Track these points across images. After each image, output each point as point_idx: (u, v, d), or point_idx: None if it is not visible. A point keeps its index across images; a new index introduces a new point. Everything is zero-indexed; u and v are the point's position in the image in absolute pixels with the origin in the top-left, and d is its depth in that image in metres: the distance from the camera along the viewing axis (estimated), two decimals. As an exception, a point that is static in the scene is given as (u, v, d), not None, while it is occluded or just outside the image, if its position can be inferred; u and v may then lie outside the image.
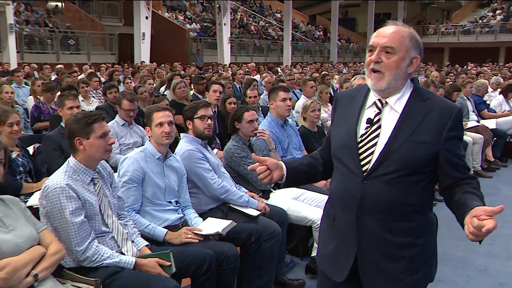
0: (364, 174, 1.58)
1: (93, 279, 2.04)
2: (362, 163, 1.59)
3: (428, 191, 1.62)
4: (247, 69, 13.57)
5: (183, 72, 11.67)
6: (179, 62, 15.39)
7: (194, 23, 23.09)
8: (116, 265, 2.13)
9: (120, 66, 14.03)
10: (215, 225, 2.66)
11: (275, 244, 2.85)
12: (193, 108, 3.01)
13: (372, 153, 1.58)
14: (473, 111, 6.81)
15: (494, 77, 9.14)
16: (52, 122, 4.66)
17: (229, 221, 2.68)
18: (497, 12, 29.23)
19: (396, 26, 1.60)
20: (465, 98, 6.67)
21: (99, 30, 19.34)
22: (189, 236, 2.51)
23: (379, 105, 1.62)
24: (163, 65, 14.71)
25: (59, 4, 21.69)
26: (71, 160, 2.24)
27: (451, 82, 7.96)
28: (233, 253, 2.45)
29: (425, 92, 1.65)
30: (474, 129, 6.26)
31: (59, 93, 5.97)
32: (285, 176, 1.70)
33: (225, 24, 19.74)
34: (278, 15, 29.54)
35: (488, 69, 15.13)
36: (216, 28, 20.96)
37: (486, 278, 3.36)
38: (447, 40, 29.08)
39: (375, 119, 1.61)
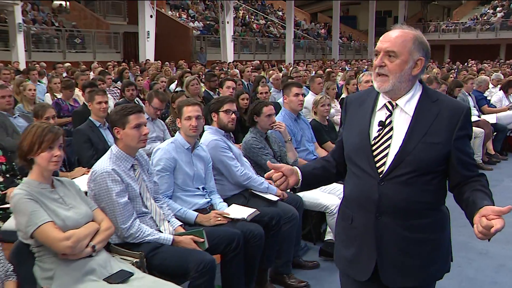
0: (380, 175, 1.63)
1: (138, 253, 2.30)
2: (377, 165, 1.64)
3: (441, 188, 1.69)
4: (252, 67, 13.81)
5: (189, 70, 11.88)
6: (184, 60, 15.62)
7: (196, 22, 23.31)
8: (156, 242, 2.39)
9: (125, 64, 14.26)
10: (241, 212, 2.90)
11: (293, 227, 3.09)
12: (219, 102, 3.26)
13: (386, 155, 1.63)
14: (474, 107, 7.04)
15: (495, 73, 9.39)
16: (75, 117, 4.92)
17: (253, 209, 2.91)
18: (498, 9, 29.40)
19: (401, 29, 1.65)
20: (467, 94, 6.92)
21: (104, 29, 19.58)
22: (219, 219, 2.76)
23: (390, 107, 1.67)
24: (167, 63, 14.91)
25: (63, 3, 21.97)
26: (114, 148, 2.49)
27: (453, 79, 8.20)
28: (259, 232, 2.70)
29: (434, 93, 1.70)
30: (475, 124, 6.48)
31: (76, 90, 6.25)
32: (300, 181, 1.77)
33: (228, 22, 19.98)
34: (280, 13, 29.74)
35: (489, 66, 15.36)
36: (219, 26, 21.20)
37: (487, 260, 3.61)
38: (448, 37, 29.30)
39: (387, 122, 1.66)
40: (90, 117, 3.85)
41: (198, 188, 2.94)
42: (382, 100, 1.70)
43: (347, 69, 13.22)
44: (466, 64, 18.14)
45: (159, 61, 15.41)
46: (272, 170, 1.73)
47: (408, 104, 1.65)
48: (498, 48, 27.25)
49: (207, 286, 2.30)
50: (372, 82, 5.04)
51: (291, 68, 11.95)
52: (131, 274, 2.12)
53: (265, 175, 1.82)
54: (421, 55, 1.63)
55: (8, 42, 15.43)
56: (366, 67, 15.60)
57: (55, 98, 6.15)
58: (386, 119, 1.66)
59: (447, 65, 17.35)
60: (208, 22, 23.88)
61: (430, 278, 1.72)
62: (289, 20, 23.33)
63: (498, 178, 5.92)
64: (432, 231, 1.66)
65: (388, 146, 1.63)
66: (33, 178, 2.09)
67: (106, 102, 3.85)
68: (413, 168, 1.60)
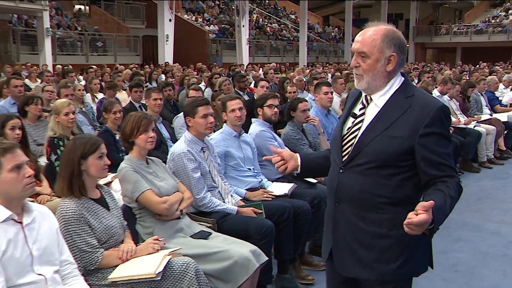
0: (342, 164, 1.70)
1: (211, 219, 2.82)
2: (343, 154, 1.71)
3: (408, 186, 1.63)
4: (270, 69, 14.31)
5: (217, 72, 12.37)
6: (201, 63, 16.18)
7: (212, 25, 23.93)
8: (224, 211, 2.91)
9: (148, 66, 14.86)
10: (282, 188, 3.41)
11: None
12: (263, 98, 3.79)
13: (351, 145, 1.68)
14: (486, 106, 7.48)
15: (506, 75, 9.80)
16: (126, 113, 5.46)
17: (291, 184, 3.42)
18: (510, 11, 29.51)
19: (372, 27, 1.66)
20: (479, 94, 7.38)
21: (124, 33, 20.27)
22: (265, 195, 3.27)
23: (364, 101, 1.73)
24: (179, 65, 15.35)
25: (82, 7, 22.75)
26: (187, 133, 3.02)
27: (466, 80, 8.64)
28: (307, 208, 3.21)
29: (412, 89, 1.68)
30: (487, 122, 6.93)
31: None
32: (299, 166, 1.86)
33: (243, 26, 20.53)
34: (293, 16, 30.25)
35: (501, 67, 15.70)
36: (234, 30, 21.77)
37: (498, 238, 4.07)
38: (460, 39, 29.47)
39: (359, 113, 1.72)
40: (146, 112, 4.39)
41: (250, 169, 3.45)
42: (364, 95, 1.76)
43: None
44: (477, 66, 18.43)
45: (177, 64, 15.97)
46: (274, 154, 1.82)
47: (381, 98, 1.67)
48: (510, 50, 27.32)
49: (266, 248, 2.80)
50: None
51: (312, 70, 12.46)
52: (210, 233, 2.65)
53: (263, 158, 1.95)
54: (393, 51, 1.63)
55: (35, 46, 16.21)
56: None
57: (99, 98, 6.73)
58: (359, 112, 1.72)
59: (459, 67, 17.67)
60: (223, 26, 24.49)
61: (395, 275, 1.66)
62: (303, 23, 23.83)
63: (509, 172, 6.40)
64: (389, 227, 1.63)
65: (355, 137, 1.68)
66: (133, 156, 2.63)
67: (161, 99, 4.39)
68: (369, 159, 1.62)
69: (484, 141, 6.64)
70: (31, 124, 4.24)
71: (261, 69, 14.49)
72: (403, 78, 1.68)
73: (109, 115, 4.09)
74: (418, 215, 1.39)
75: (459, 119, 6.54)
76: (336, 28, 31.47)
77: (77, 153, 2.19)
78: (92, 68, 10.99)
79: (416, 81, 9.62)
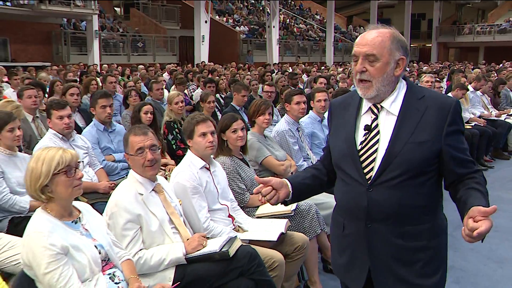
0: (368, 182, 1.57)
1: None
2: (365, 171, 1.58)
3: (436, 190, 1.60)
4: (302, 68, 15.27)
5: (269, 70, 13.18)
6: (235, 62, 17.14)
7: (242, 26, 25.00)
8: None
9: (190, 66, 15.94)
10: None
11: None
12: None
13: (374, 160, 1.57)
14: None
15: (533, 72, 10.49)
16: (197, 109, 6.44)
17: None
18: (534, 11, 29.62)
19: (376, 30, 1.58)
20: (508, 90, 8.16)
21: (161, 34, 21.49)
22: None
23: (375, 110, 1.61)
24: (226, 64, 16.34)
25: (118, 9, 24.11)
26: (287, 116, 4.03)
27: (496, 77, 9.38)
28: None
29: (420, 90, 1.62)
30: None
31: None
32: (291, 193, 1.71)
33: (274, 26, 21.52)
34: (318, 17, 31.11)
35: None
36: (263, 30, 22.76)
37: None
38: (483, 39, 29.71)
39: (373, 125, 1.60)
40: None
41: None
42: (366, 103, 1.64)
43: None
44: (501, 65, 18.88)
45: (211, 63, 16.84)
46: (261, 185, 1.68)
47: (393, 104, 1.59)
48: (533, 49, 27.53)
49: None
50: (430, 82, 6.48)
51: (340, 68, 13.39)
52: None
53: (254, 190, 1.76)
54: (402, 54, 1.57)
55: (82, 47, 17.54)
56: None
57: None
58: (372, 123, 1.60)
59: (483, 66, 18.22)
60: (252, 26, 25.53)
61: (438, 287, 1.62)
62: (330, 24, 24.78)
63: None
64: (429, 238, 1.58)
65: (376, 150, 1.58)
66: (255, 131, 3.63)
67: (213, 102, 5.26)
68: (402, 171, 1.53)
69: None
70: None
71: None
72: (405, 81, 1.63)
73: (205, 105, 5.09)
74: (479, 221, 1.33)
75: (490, 112, 7.33)
76: (362, 28, 32.19)
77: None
78: (141, 65, 12.10)
79: (446, 79, 10.42)
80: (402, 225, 1.57)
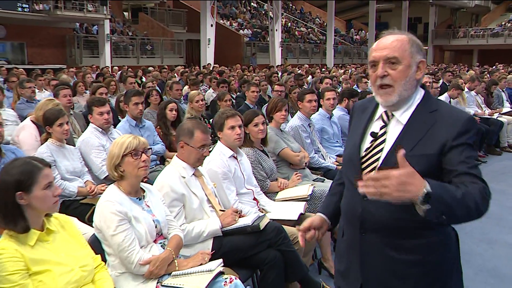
0: None
1: (319, 171, 4.72)
2: None
3: None
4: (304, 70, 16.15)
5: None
6: (239, 64, 17.80)
7: (246, 29, 25.85)
8: (326, 167, 4.80)
9: (199, 68, 16.69)
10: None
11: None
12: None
13: (374, 168, 1.53)
14: (507, 100, 8.70)
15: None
16: (212, 107, 7.20)
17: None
18: (526, 15, 30.44)
19: (392, 35, 1.55)
20: (501, 90, 8.64)
21: (168, 37, 22.28)
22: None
23: (385, 118, 1.58)
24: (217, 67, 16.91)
25: (126, 13, 24.92)
26: (299, 114, 4.91)
27: (489, 78, 9.93)
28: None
29: (435, 103, 1.57)
30: (508, 113, 8.10)
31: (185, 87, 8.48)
32: (329, 223, 1.76)
33: (276, 30, 22.28)
34: (318, 21, 32.02)
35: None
36: (266, 33, 23.58)
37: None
38: (476, 42, 30.38)
39: (380, 133, 1.57)
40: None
41: (337, 141, 5.09)
42: (381, 109, 1.62)
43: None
44: (494, 67, 19.60)
45: (216, 65, 17.38)
46: (301, 233, 1.69)
47: (404, 114, 1.55)
48: (525, 52, 28.26)
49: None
50: (428, 83, 7.31)
51: (353, 70, 14.21)
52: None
53: (299, 233, 1.73)
54: (422, 57, 1.55)
55: (94, 50, 18.31)
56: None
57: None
58: (379, 130, 1.58)
59: (477, 68, 19.02)
60: (255, 30, 26.38)
61: None
62: (330, 27, 25.57)
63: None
64: (426, 253, 1.52)
65: (378, 159, 1.55)
66: (272, 125, 4.25)
67: (230, 100, 5.83)
68: None
69: (505, 129, 7.75)
70: (154, 110, 5.35)
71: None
72: (423, 91, 1.58)
73: (222, 103, 5.73)
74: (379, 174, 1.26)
75: (484, 111, 7.85)
76: (362, 31, 33.12)
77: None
78: (151, 67, 12.93)
79: (441, 81, 11.17)
80: (395, 238, 1.53)
